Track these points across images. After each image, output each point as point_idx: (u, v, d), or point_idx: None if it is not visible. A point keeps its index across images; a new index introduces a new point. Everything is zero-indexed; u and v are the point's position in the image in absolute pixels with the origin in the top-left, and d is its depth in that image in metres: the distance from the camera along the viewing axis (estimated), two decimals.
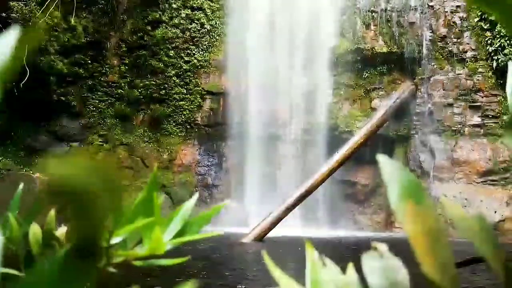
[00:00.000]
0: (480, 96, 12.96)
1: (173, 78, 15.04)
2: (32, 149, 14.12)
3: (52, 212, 0.84)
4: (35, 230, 0.78)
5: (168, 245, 0.65)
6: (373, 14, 13.97)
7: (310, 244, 0.43)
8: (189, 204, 0.69)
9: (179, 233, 0.67)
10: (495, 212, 11.61)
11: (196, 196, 0.74)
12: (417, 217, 0.33)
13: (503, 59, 12.36)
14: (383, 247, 0.37)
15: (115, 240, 0.65)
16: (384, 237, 11.18)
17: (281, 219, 10.87)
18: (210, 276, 5.50)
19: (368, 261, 0.36)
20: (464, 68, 13.15)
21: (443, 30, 13.39)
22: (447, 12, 13.39)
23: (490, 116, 12.85)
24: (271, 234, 10.55)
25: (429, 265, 0.32)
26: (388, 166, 0.35)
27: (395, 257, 0.37)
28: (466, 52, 13.16)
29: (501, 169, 12.34)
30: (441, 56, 13.43)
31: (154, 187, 0.68)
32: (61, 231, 0.82)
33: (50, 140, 14.47)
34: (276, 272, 0.40)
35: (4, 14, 11.92)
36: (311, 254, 0.42)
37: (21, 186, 0.89)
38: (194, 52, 15.08)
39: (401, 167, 0.35)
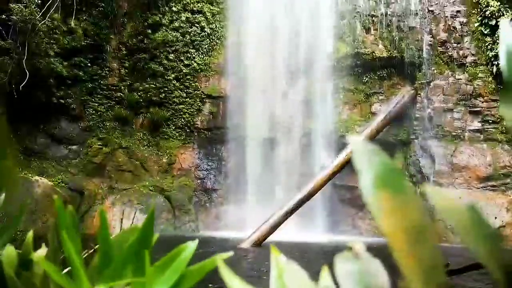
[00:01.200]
0: (480, 101, 12.91)
1: (173, 82, 15.00)
2: (30, 151, 14.07)
3: (30, 234, 0.78)
4: (9, 252, 0.71)
5: None
6: (373, 18, 13.95)
7: (275, 249, 0.38)
8: (186, 253, 0.61)
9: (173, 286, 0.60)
10: (495, 218, 11.54)
11: (196, 242, 0.65)
12: (395, 209, 0.26)
13: None
14: (359, 247, 0.31)
15: None
16: (383, 243, 11.09)
17: (280, 224, 10.80)
18: (203, 285, 5.41)
19: (342, 264, 0.30)
20: (464, 73, 13.11)
21: (443, 35, 13.36)
22: (447, 17, 13.37)
23: (490, 121, 12.79)
24: (269, 238, 10.48)
25: (411, 269, 0.25)
26: (360, 148, 0.28)
27: (374, 258, 0.31)
28: (466, 57, 13.13)
29: (501, 175, 12.27)
30: (441, 61, 13.39)
31: (148, 235, 0.59)
32: (39, 253, 0.75)
33: (48, 143, 14.41)
34: (234, 283, 0.34)
35: (4, 16, 11.90)
36: (277, 259, 0.37)
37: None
38: (194, 55, 15.04)
39: (375, 149, 0.28)
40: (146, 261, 0.56)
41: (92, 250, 0.98)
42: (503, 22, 0.48)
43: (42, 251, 0.76)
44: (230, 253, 0.74)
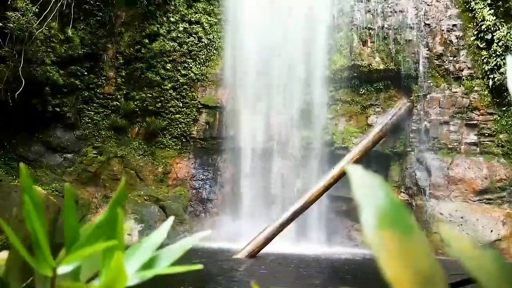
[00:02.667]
0: (476, 114, 12.95)
1: (169, 91, 14.99)
2: (25, 159, 13.95)
3: None
4: None
5: (134, 278, 0.52)
6: (370, 31, 14.02)
7: (256, 286, 0.34)
8: (161, 231, 0.59)
9: (147, 265, 0.55)
10: (491, 231, 11.50)
11: (171, 220, 0.64)
12: (402, 252, 0.23)
13: (499, 77, 12.39)
14: None
15: (64, 268, 0.54)
16: None
17: (275, 235, 10.72)
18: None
19: None
20: (460, 86, 13.17)
21: (439, 48, 13.44)
22: (443, 30, 13.46)
23: (486, 134, 12.82)
24: (264, 250, 10.39)
25: None
26: (363, 181, 0.23)
27: None
28: (462, 70, 13.20)
29: (497, 188, 12.26)
30: (437, 74, 13.45)
31: (118, 204, 0.57)
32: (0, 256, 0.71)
33: (43, 151, 14.31)
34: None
35: (0, 24, 11.87)
36: None
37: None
38: (191, 65, 15.06)
39: (380, 182, 0.24)
40: (119, 228, 0.53)
41: None
42: (510, 58, 0.46)
43: (3, 253, 0.73)
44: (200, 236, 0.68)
